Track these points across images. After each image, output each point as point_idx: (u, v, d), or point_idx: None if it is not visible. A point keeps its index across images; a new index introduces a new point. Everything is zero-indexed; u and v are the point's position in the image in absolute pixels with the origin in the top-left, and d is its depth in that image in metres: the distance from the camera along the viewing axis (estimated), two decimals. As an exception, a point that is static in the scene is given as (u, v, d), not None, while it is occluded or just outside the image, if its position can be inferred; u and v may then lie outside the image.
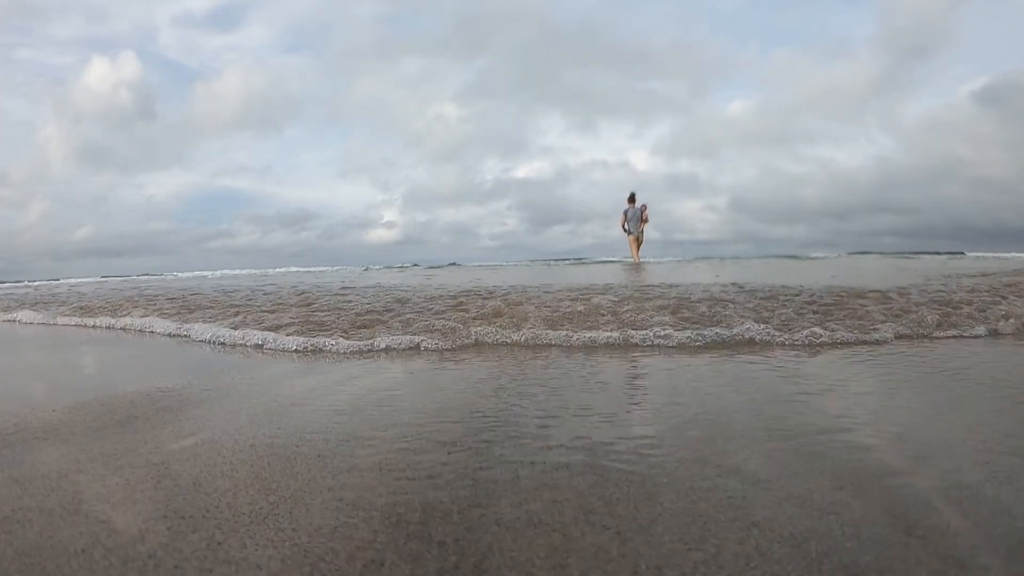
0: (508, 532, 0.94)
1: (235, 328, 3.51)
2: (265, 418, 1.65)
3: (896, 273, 6.69)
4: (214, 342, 3.31)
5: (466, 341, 2.90)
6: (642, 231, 12.40)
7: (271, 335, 3.18)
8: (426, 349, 2.80)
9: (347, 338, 2.99)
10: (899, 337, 2.80)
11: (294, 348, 2.95)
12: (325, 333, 3.12)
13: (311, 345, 2.95)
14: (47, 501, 1.11)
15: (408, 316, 3.41)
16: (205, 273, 24.93)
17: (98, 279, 22.21)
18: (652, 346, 2.69)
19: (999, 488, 1.05)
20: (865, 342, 2.69)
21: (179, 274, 25.16)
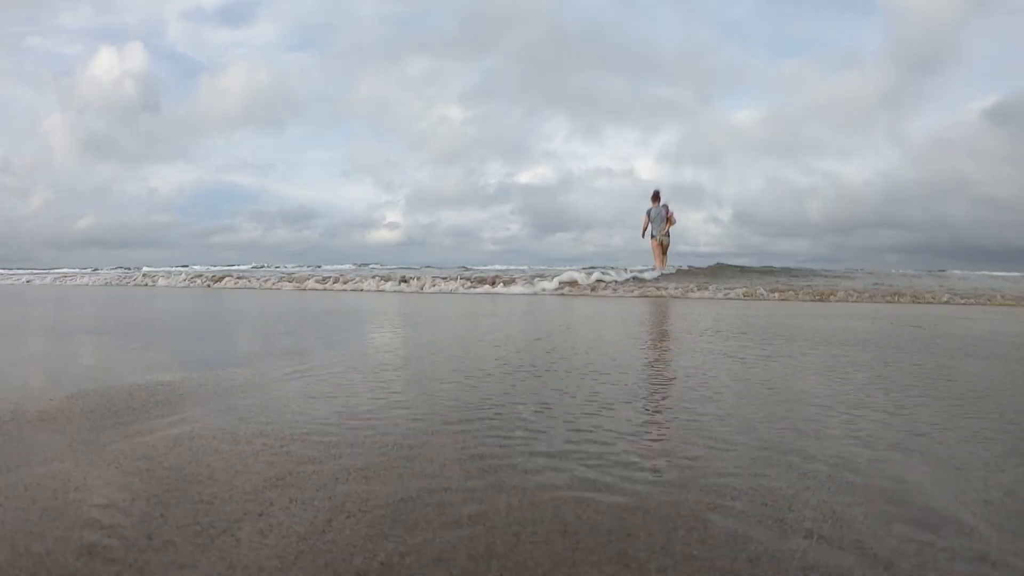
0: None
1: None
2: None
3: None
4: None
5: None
6: (667, 233, 11.23)
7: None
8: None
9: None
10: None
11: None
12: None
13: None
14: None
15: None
16: (212, 269, 24.86)
17: (107, 270, 22.29)
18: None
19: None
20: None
21: (195, 267, 25.07)
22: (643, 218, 11.37)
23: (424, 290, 10.09)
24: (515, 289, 9.89)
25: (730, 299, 8.75)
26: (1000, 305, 7.73)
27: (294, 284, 12.37)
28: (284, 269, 20.16)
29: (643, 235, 11.41)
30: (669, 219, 11.18)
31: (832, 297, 8.74)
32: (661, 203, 11.16)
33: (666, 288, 9.95)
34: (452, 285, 10.34)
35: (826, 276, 12.79)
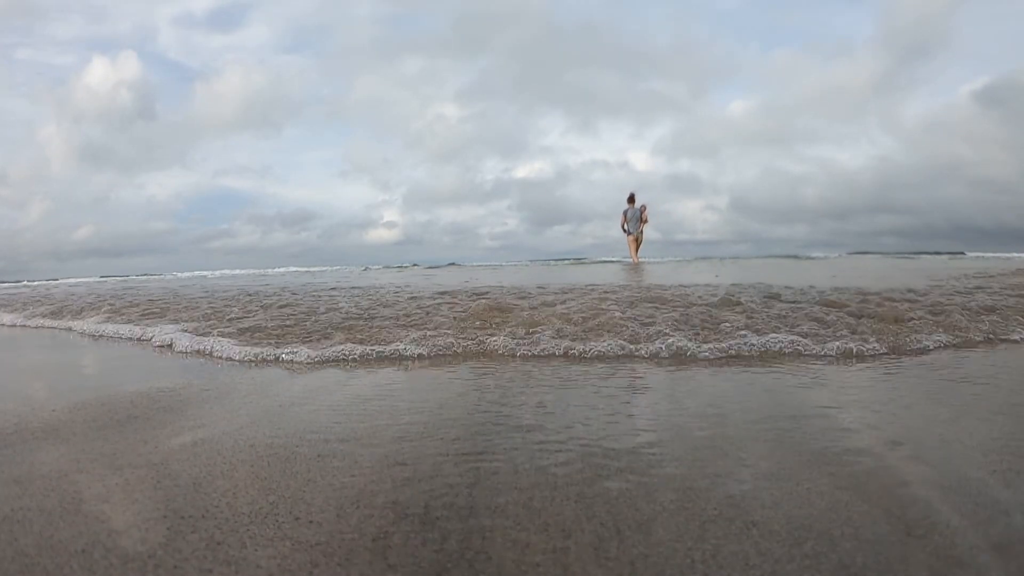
0: (509, 525, 0.94)
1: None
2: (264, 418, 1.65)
3: (901, 274, 6.62)
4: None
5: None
6: (641, 231, 12.59)
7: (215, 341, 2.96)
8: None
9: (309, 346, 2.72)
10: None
11: (240, 357, 2.64)
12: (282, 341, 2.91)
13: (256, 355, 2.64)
14: (46, 501, 1.11)
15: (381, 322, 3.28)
16: (205, 273, 24.93)
17: (96, 279, 22.20)
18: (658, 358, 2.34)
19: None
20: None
21: (179, 274, 25.17)
22: (620, 217, 12.81)
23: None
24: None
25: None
26: None
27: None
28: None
29: (622, 229, 12.84)
30: (643, 219, 12.53)
31: None
32: (636, 204, 12.52)
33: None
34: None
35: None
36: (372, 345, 2.67)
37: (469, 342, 2.67)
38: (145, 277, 22.42)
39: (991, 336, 2.69)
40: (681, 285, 5.02)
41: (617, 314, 3.11)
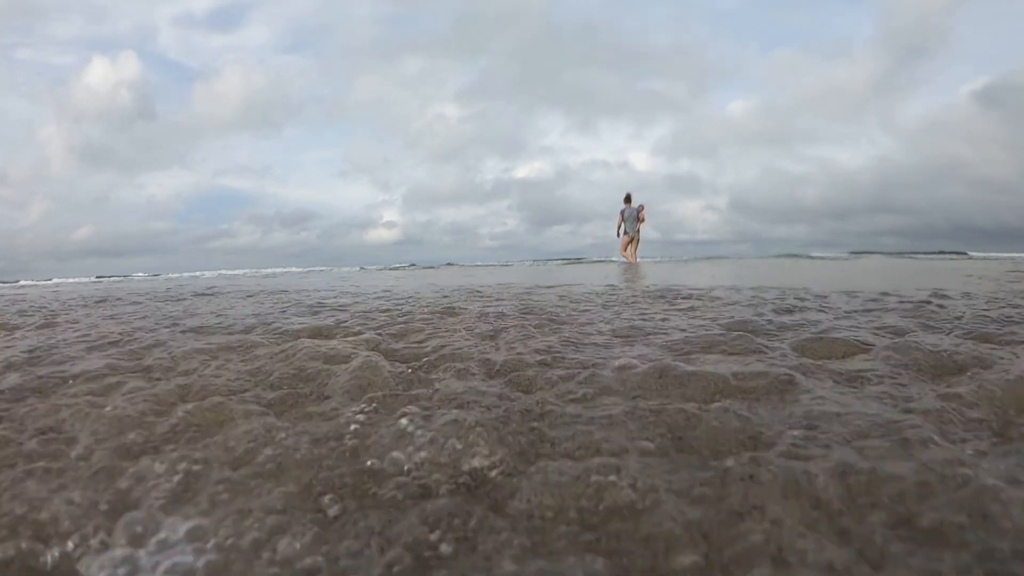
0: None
1: None
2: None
3: (962, 276, 4.81)
4: None
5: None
6: (639, 231, 12.60)
7: None
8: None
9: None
10: None
11: None
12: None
13: None
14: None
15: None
16: (201, 272, 24.84)
17: (92, 279, 22.07)
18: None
19: None
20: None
21: (174, 274, 25.08)
22: (617, 217, 12.77)
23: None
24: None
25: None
26: None
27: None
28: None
29: (618, 233, 12.83)
30: (641, 218, 12.50)
31: None
32: (634, 204, 12.51)
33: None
34: None
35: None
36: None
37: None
38: (141, 277, 22.29)
39: None
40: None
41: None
